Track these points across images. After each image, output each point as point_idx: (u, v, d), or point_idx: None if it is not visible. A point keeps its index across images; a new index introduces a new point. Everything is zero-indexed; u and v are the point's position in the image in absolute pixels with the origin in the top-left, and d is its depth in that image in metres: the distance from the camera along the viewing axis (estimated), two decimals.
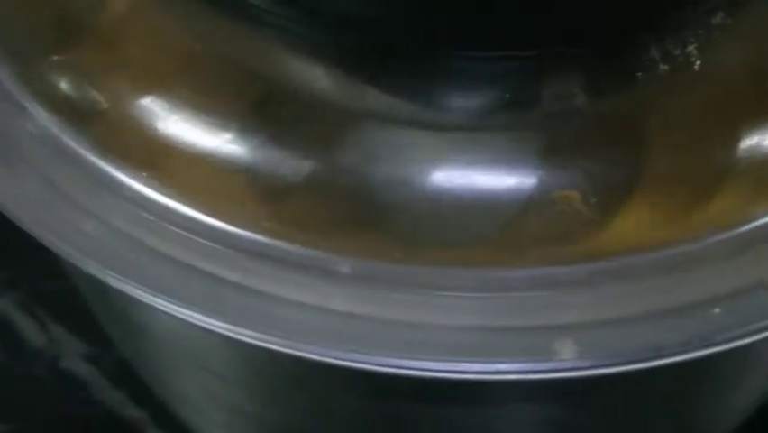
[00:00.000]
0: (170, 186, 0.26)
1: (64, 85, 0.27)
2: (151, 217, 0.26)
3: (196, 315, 0.25)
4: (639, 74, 0.25)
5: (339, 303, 0.25)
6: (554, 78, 0.26)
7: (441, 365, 0.24)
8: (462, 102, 0.26)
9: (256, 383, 0.30)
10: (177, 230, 0.26)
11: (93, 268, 0.25)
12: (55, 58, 0.28)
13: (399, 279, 0.25)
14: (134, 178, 0.26)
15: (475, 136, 0.26)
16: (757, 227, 0.25)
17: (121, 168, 0.26)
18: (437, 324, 0.24)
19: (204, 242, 0.25)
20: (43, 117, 0.27)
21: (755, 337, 0.24)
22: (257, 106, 0.26)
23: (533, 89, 0.26)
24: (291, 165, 0.25)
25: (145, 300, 0.25)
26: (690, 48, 0.25)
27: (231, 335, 0.25)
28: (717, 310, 0.24)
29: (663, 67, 0.25)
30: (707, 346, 0.24)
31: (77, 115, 0.27)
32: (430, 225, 0.25)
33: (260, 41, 0.26)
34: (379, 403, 0.29)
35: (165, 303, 0.25)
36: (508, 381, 0.24)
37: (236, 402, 0.32)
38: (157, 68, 0.27)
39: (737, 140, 0.25)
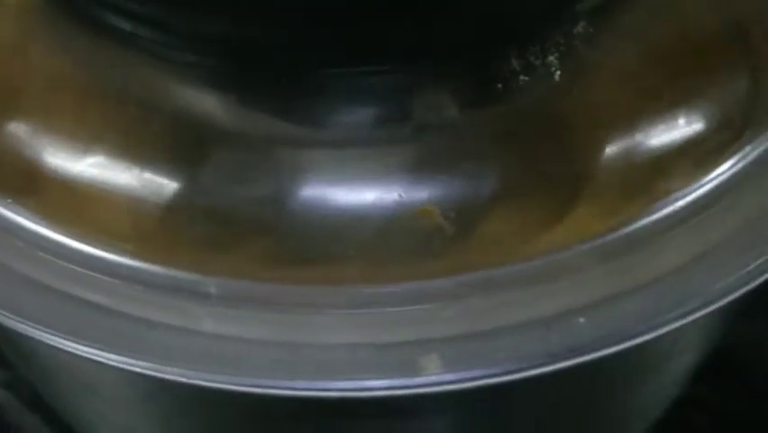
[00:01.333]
0: (37, 211, 0.26)
1: None
2: (19, 243, 0.26)
3: (62, 341, 0.24)
4: (499, 85, 0.25)
5: (207, 324, 0.24)
6: (420, 91, 0.26)
7: (308, 384, 0.24)
8: (333, 117, 0.26)
9: (139, 406, 0.30)
10: (44, 255, 0.25)
11: None
12: None
13: (267, 298, 0.25)
14: (1, 204, 0.26)
15: (342, 153, 0.26)
16: (621, 236, 0.25)
17: None
18: (305, 342, 0.24)
19: (71, 266, 0.25)
20: None
21: (621, 346, 0.24)
22: (124, 129, 0.26)
23: (401, 103, 0.26)
24: (157, 186, 0.25)
25: (12, 327, 0.25)
26: (551, 58, 0.25)
27: (99, 360, 0.24)
28: (582, 320, 0.24)
29: (524, 78, 0.25)
30: (572, 357, 0.24)
31: None
32: (297, 242, 0.25)
33: (127, 65, 0.26)
34: (261, 423, 0.29)
35: (31, 330, 0.24)
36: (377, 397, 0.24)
37: (128, 424, 0.32)
38: (25, 93, 0.27)
39: (598, 149, 0.25)
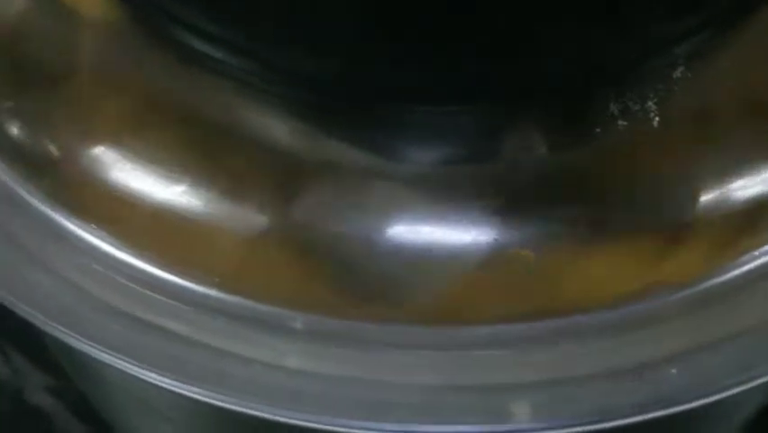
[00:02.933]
0: (121, 238, 0.25)
1: (16, 132, 0.27)
2: (101, 269, 0.25)
3: (144, 371, 0.24)
4: (597, 130, 0.25)
5: (292, 360, 0.24)
6: (514, 131, 0.25)
7: (395, 426, 0.24)
8: (422, 154, 0.26)
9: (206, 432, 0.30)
10: (127, 283, 0.25)
11: (38, 321, 0.25)
12: (8, 104, 0.27)
13: (354, 335, 0.24)
14: (84, 229, 0.26)
15: (432, 190, 0.25)
16: (712, 286, 0.25)
17: (71, 219, 0.26)
18: (392, 382, 0.24)
19: (155, 295, 0.25)
20: None
21: (712, 398, 0.24)
22: (211, 159, 0.26)
23: (492, 142, 0.26)
24: (244, 219, 0.25)
25: (94, 355, 0.25)
26: (650, 103, 0.25)
27: (181, 392, 0.24)
28: (673, 371, 0.24)
29: (622, 123, 0.25)
30: (663, 408, 0.24)
31: (28, 163, 0.27)
32: (386, 280, 0.25)
33: (215, 92, 0.26)
34: None
35: (111, 358, 0.24)
36: None
37: None
38: (111, 118, 0.27)
39: (695, 197, 0.25)
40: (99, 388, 0.34)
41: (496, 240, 0.24)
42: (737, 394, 0.28)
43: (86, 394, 0.40)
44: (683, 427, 0.28)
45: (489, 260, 0.24)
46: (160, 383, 0.24)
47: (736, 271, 0.25)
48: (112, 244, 0.25)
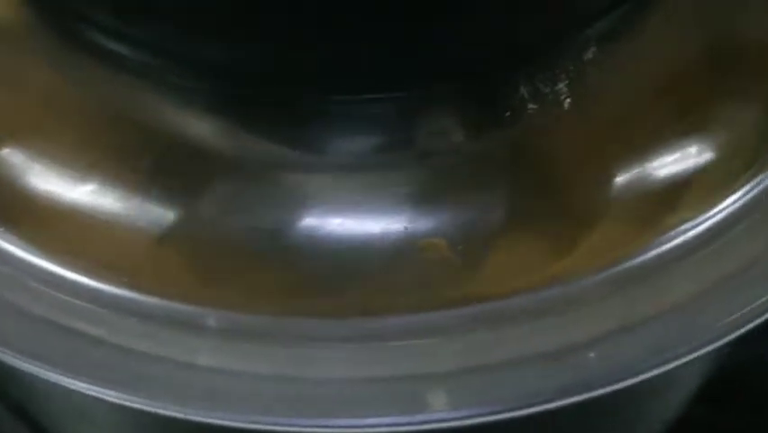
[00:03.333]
0: (29, 240, 0.25)
1: None
2: (11, 272, 0.25)
3: (57, 376, 0.24)
4: (507, 114, 0.24)
5: (204, 358, 0.24)
6: (425, 117, 0.25)
7: (312, 421, 0.23)
8: (335, 144, 0.25)
9: None
10: (36, 285, 0.24)
11: None
12: None
13: (267, 331, 0.24)
14: None
15: (345, 180, 0.25)
16: (629, 268, 0.24)
17: None
18: (308, 377, 0.23)
19: (65, 297, 0.24)
20: None
21: (630, 381, 0.23)
22: (120, 157, 0.25)
23: (405, 130, 0.25)
24: (153, 216, 0.24)
25: (5, 360, 0.24)
26: (561, 85, 0.25)
27: (94, 394, 0.24)
28: (592, 355, 0.23)
29: (533, 106, 0.24)
30: (582, 392, 0.23)
31: None
32: (299, 274, 0.24)
33: (123, 90, 0.26)
34: None
35: (26, 364, 0.24)
36: None
37: None
38: (16, 115, 0.26)
39: (607, 179, 0.25)
40: (26, 391, 0.33)
41: (406, 228, 0.24)
42: (666, 376, 0.28)
43: (18, 397, 0.39)
44: (608, 408, 0.28)
45: (400, 249, 0.24)
46: (74, 387, 0.24)
47: (652, 253, 0.24)
48: (21, 247, 0.25)
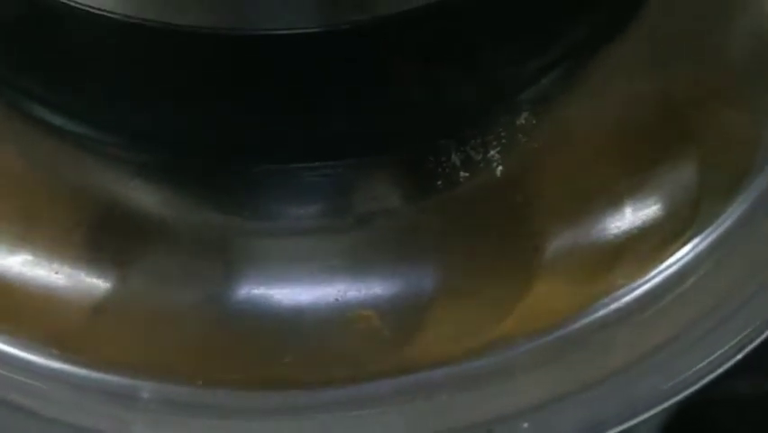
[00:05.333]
0: None
1: None
2: None
3: None
4: (439, 183, 0.24)
5: (139, 430, 0.24)
6: (360, 184, 0.25)
7: None
8: (273, 212, 0.25)
9: None
10: None
11: None
12: None
13: (203, 402, 0.24)
14: None
15: (280, 249, 0.25)
16: (566, 333, 0.24)
17: None
18: None
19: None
20: None
21: None
22: (52, 226, 0.25)
23: (340, 195, 0.25)
24: (85, 287, 0.24)
25: None
26: (493, 152, 0.25)
27: None
28: (525, 425, 0.23)
29: (464, 174, 0.24)
30: None
31: None
32: (233, 344, 0.24)
33: (59, 156, 0.25)
34: None
35: None
36: None
37: None
38: None
39: (542, 244, 0.25)
40: None
41: (336, 300, 0.24)
42: None
43: None
44: None
45: (331, 320, 0.23)
46: None
47: (588, 319, 0.24)
48: None
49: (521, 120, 0.25)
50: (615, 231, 0.25)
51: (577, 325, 0.25)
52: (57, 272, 0.24)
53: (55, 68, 0.25)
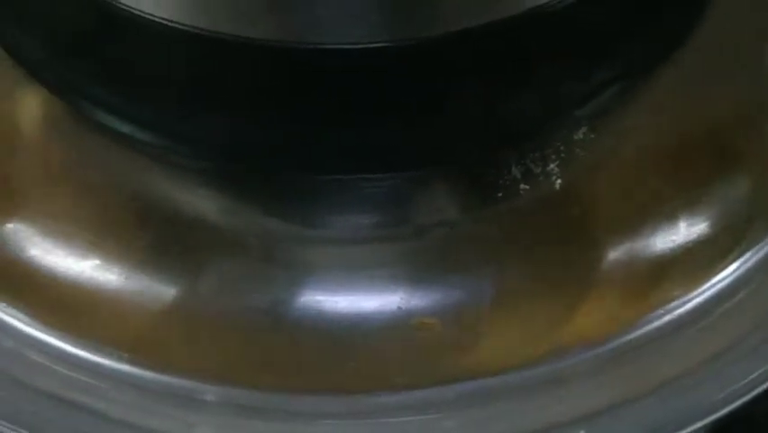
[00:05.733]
0: (32, 314, 0.25)
1: None
2: (14, 346, 0.25)
3: None
4: (500, 194, 0.25)
5: (204, 432, 0.24)
6: (420, 196, 0.26)
7: None
8: (333, 222, 0.26)
9: None
10: (39, 359, 0.25)
11: None
12: None
13: (266, 407, 0.24)
14: None
15: (342, 258, 0.25)
16: (619, 345, 0.25)
17: None
18: None
19: (68, 372, 0.25)
20: None
21: None
22: (122, 233, 0.26)
23: (400, 206, 0.26)
24: (153, 293, 0.25)
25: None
26: (552, 166, 0.25)
27: None
28: (582, 432, 0.24)
29: (524, 186, 0.25)
30: None
31: None
32: (296, 350, 0.25)
33: (128, 168, 0.26)
34: None
35: None
36: None
37: None
38: (22, 191, 0.27)
39: (599, 255, 0.25)
40: None
41: (399, 308, 0.24)
42: None
43: None
44: None
45: (394, 328, 0.24)
46: None
47: (642, 330, 0.25)
48: (24, 321, 0.25)
49: (579, 134, 0.26)
50: (669, 244, 0.26)
51: (631, 335, 0.25)
52: (126, 277, 0.25)
53: (125, 78, 0.26)
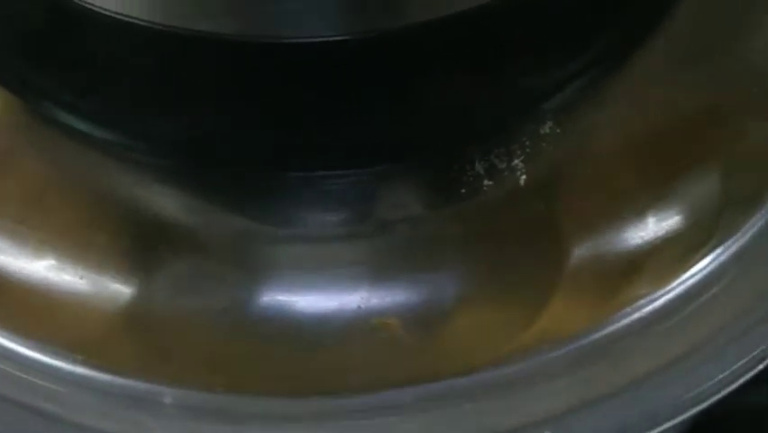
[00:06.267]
0: None
1: None
2: None
3: None
4: (463, 190, 0.24)
5: None
6: (383, 192, 0.25)
7: None
8: (295, 219, 0.25)
9: None
10: None
11: None
12: None
13: (225, 410, 0.24)
14: None
15: (303, 256, 0.25)
16: (589, 342, 0.24)
17: None
18: None
19: (21, 374, 0.24)
20: None
21: None
22: (76, 233, 0.25)
23: (363, 202, 0.25)
24: (108, 293, 0.24)
25: None
26: (517, 161, 0.25)
27: None
28: None
29: (488, 182, 0.24)
30: None
31: None
32: (254, 352, 0.24)
33: (84, 166, 0.25)
34: None
35: None
36: None
37: None
38: None
39: (565, 253, 0.25)
40: None
41: (359, 308, 0.24)
42: None
43: None
44: None
45: (354, 327, 0.24)
46: None
47: (610, 328, 0.24)
48: None
49: (545, 129, 0.25)
50: (638, 241, 0.25)
51: (599, 334, 0.25)
52: (81, 278, 0.24)
53: (80, 73, 0.25)
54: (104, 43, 0.25)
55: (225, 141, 0.25)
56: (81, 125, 0.25)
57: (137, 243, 0.25)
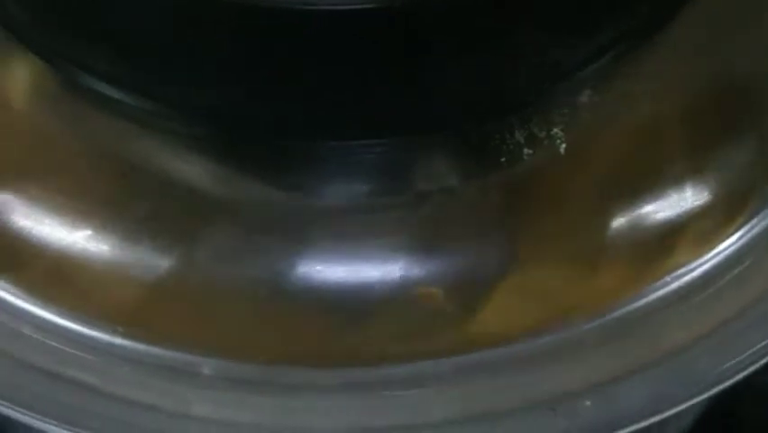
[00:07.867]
0: (25, 287, 0.25)
1: None
2: (4, 319, 0.25)
3: (49, 425, 0.23)
4: (503, 159, 0.24)
5: (199, 408, 0.23)
6: (421, 162, 0.25)
7: None
8: (333, 190, 0.25)
9: None
10: (31, 333, 0.24)
11: None
12: None
13: (263, 380, 0.24)
14: None
15: (343, 227, 0.25)
16: (626, 313, 0.24)
17: None
18: (306, 427, 0.23)
19: (58, 345, 0.24)
20: None
21: (627, 429, 0.23)
22: (115, 203, 0.25)
23: (401, 173, 0.25)
24: (147, 264, 0.24)
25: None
26: (556, 129, 0.25)
27: None
28: (588, 403, 0.23)
29: (528, 151, 0.24)
30: None
31: None
32: (294, 322, 0.24)
33: (120, 137, 0.25)
34: None
35: (16, 413, 0.24)
36: None
37: None
38: (9, 163, 0.26)
39: (603, 224, 0.25)
40: None
41: (401, 277, 0.23)
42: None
43: None
44: None
45: (396, 298, 0.23)
46: None
47: (648, 298, 0.24)
48: (15, 295, 0.25)
49: (584, 97, 0.25)
50: (676, 210, 0.25)
51: (638, 304, 0.25)
52: (120, 248, 0.24)
53: (113, 40, 0.25)
54: (136, 8, 0.24)
55: (258, 110, 0.25)
56: (114, 93, 0.25)
57: (175, 213, 0.25)
